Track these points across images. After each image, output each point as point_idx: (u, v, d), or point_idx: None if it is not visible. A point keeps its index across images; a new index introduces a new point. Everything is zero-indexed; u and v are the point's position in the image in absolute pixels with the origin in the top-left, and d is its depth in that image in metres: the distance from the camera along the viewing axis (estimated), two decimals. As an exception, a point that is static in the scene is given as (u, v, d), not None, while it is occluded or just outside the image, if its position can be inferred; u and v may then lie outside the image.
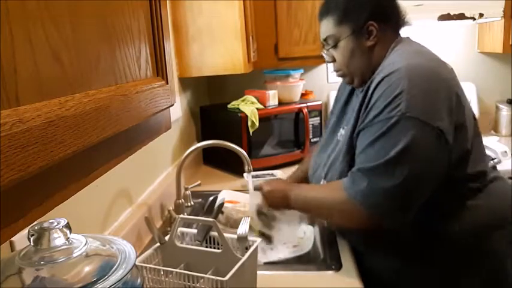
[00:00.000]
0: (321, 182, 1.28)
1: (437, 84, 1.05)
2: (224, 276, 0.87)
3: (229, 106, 2.17)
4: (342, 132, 1.24)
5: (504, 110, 2.54)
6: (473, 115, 1.17)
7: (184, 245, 1.06)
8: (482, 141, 1.20)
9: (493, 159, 2.09)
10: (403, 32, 1.25)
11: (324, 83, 2.69)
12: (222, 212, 1.48)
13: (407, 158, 1.00)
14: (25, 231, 0.56)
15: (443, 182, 1.07)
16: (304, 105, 2.23)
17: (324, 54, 1.28)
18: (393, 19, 1.22)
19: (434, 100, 1.03)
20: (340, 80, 1.34)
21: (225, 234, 1.01)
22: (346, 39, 1.19)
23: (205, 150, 2.20)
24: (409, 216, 1.05)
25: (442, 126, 1.01)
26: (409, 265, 1.18)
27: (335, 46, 1.22)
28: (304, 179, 1.53)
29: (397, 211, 1.04)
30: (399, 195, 1.02)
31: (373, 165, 1.02)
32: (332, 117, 1.40)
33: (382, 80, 1.06)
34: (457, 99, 1.07)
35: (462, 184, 1.13)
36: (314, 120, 2.25)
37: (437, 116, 1.01)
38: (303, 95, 2.43)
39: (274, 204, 1.31)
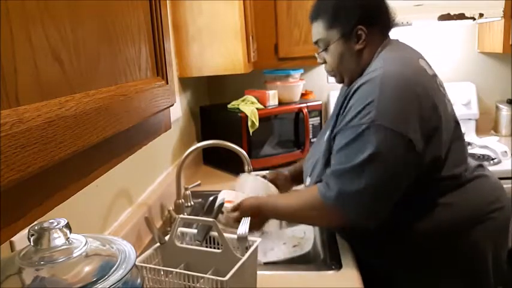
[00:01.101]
0: (307, 179, 1.31)
1: (409, 92, 1.07)
2: (224, 276, 0.87)
3: (229, 106, 2.17)
4: (328, 133, 1.26)
5: (504, 110, 2.54)
6: (455, 119, 1.22)
7: (184, 245, 1.06)
8: (464, 144, 1.24)
9: (493, 159, 2.09)
10: (393, 33, 1.27)
11: (324, 83, 2.69)
12: (222, 212, 1.47)
13: (374, 163, 1.04)
14: (25, 231, 0.56)
15: (415, 184, 1.11)
16: (304, 105, 2.23)
17: (316, 56, 1.32)
18: (381, 22, 1.24)
19: (404, 109, 1.06)
20: None
21: (225, 234, 1.01)
22: (336, 43, 1.22)
23: (205, 150, 2.20)
24: (381, 217, 1.09)
25: (410, 134, 1.04)
26: (396, 266, 1.22)
27: (325, 49, 1.25)
28: (291, 178, 1.57)
29: (368, 212, 1.09)
30: (367, 198, 1.07)
31: (343, 168, 1.08)
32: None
33: (359, 87, 1.10)
34: (433, 107, 1.09)
35: (435, 185, 1.16)
36: (314, 120, 2.25)
37: (407, 125, 1.04)
38: (303, 95, 2.43)
39: (257, 219, 1.27)
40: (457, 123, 1.22)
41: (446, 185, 1.16)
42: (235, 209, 1.27)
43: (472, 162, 1.26)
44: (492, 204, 1.19)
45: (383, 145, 1.03)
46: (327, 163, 1.18)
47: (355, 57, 1.22)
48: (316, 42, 1.28)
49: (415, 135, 1.05)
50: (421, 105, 1.07)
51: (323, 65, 1.32)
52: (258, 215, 1.24)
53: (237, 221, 1.25)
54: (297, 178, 1.52)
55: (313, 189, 1.16)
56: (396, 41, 1.26)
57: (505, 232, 1.24)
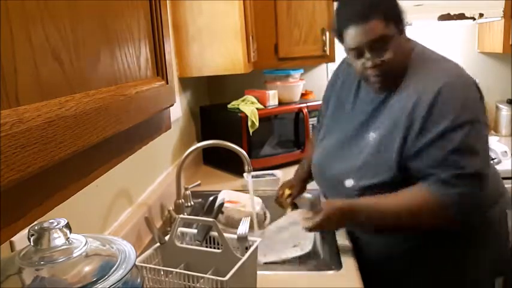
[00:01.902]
0: (347, 181, 1.24)
1: (477, 90, 1.19)
2: (224, 276, 0.87)
3: (229, 106, 2.17)
4: (374, 136, 1.22)
5: (504, 110, 2.54)
6: None
7: (184, 245, 1.06)
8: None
9: (493, 159, 2.09)
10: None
11: (324, 83, 2.66)
12: (222, 212, 1.48)
13: (486, 162, 1.14)
14: (25, 231, 0.56)
15: None
16: (304, 105, 2.23)
17: (366, 60, 1.18)
18: (403, 20, 1.22)
19: (482, 104, 1.19)
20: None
21: (225, 234, 1.01)
22: (396, 38, 1.17)
23: (205, 150, 2.20)
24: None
25: (488, 122, 1.18)
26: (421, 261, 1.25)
27: (386, 47, 1.16)
28: (306, 179, 1.55)
29: (478, 209, 1.16)
30: (479, 197, 1.13)
31: (465, 173, 1.10)
32: (330, 104, 1.45)
33: (440, 91, 1.12)
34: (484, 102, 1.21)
35: None
36: (314, 120, 2.25)
37: (485, 116, 1.17)
38: (303, 95, 2.43)
39: (336, 223, 1.25)
40: None
41: None
42: (315, 213, 1.22)
43: None
44: (501, 188, 1.34)
45: (485, 140, 1.15)
46: (392, 172, 1.17)
47: (406, 49, 1.22)
48: (371, 43, 1.16)
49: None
50: (483, 101, 1.20)
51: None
52: (346, 217, 1.20)
53: (318, 228, 1.22)
54: (307, 179, 1.55)
55: (421, 190, 1.13)
56: (417, 42, 1.28)
57: (505, 218, 1.34)
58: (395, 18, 1.17)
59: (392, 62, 1.17)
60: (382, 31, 1.15)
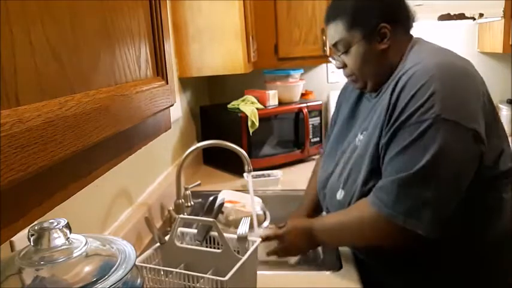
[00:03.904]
0: (338, 192, 1.18)
1: (467, 82, 1.01)
2: (224, 276, 0.87)
3: (229, 106, 2.17)
4: (361, 138, 1.16)
5: (504, 110, 2.54)
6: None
7: (184, 245, 1.06)
8: (508, 139, 1.14)
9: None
10: (414, 31, 1.20)
11: (324, 83, 2.69)
12: (222, 212, 1.48)
13: (442, 164, 0.95)
14: (25, 231, 0.56)
15: (479, 182, 1.02)
16: (304, 105, 2.23)
17: (333, 60, 1.22)
18: (403, 19, 1.16)
19: (467, 100, 0.99)
20: (339, 81, 1.30)
21: (225, 234, 1.01)
22: (358, 43, 1.12)
23: (205, 150, 2.20)
24: (445, 222, 0.98)
25: (477, 127, 0.97)
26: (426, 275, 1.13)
27: (346, 51, 1.15)
28: (312, 212, 1.39)
29: (437, 222, 0.97)
30: (436, 206, 0.96)
31: (406, 176, 0.96)
32: (337, 124, 1.34)
33: (408, 80, 1.00)
34: (488, 97, 1.05)
35: (499, 182, 1.08)
36: (314, 120, 2.25)
37: (472, 117, 0.97)
38: (303, 95, 2.43)
39: (296, 248, 1.22)
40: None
41: (504, 184, 1.08)
42: (276, 236, 1.19)
43: None
44: None
45: (450, 141, 0.94)
46: (373, 170, 1.07)
47: (380, 58, 1.12)
48: (334, 45, 1.17)
49: (481, 128, 0.98)
50: (480, 96, 1.01)
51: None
52: (307, 238, 1.16)
53: (278, 253, 1.21)
54: (315, 212, 1.38)
55: (363, 203, 1.05)
56: (422, 39, 1.18)
57: None
58: (366, 26, 1.11)
59: (358, 67, 1.14)
60: (340, 36, 1.14)
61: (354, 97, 1.30)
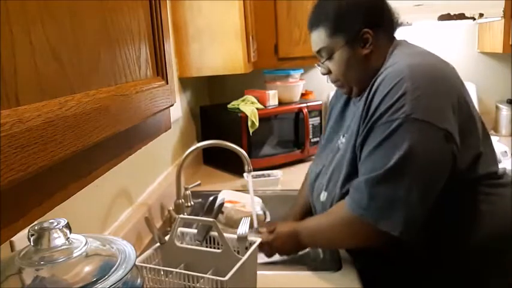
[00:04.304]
0: (321, 194, 1.21)
1: (440, 83, 1.02)
2: (224, 276, 0.87)
3: (229, 106, 2.17)
4: (343, 140, 1.18)
5: (504, 110, 2.54)
6: (479, 116, 1.13)
7: (184, 245, 1.06)
8: (491, 143, 1.15)
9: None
10: (398, 34, 1.21)
11: (324, 83, 2.65)
12: (222, 212, 1.48)
13: (412, 163, 0.95)
14: (25, 231, 0.56)
15: (456, 185, 1.02)
16: (304, 105, 2.23)
17: (318, 67, 1.23)
18: (386, 23, 1.17)
19: (438, 100, 0.99)
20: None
21: (225, 234, 1.01)
22: (341, 50, 1.14)
23: (205, 150, 2.20)
24: (419, 225, 0.98)
25: (448, 127, 0.97)
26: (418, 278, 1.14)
27: (330, 57, 1.17)
28: (303, 214, 1.40)
29: (411, 224, 0.96)
30: (408, 206, 0.96)
31: (375, 175, 0.97)
32: (328, 126, 1.36)
33: (382, 82, 1.02)
34: (464, 99, 1.05)
35: (475, 186, 1.08)
36: (314, 120, 2.25)
37: (443, 117, 0.98)
38: (303, 95, 2.43)
39: (284, 252, 1.24)
40: (481, 120, 1.13)
41: (483, 190, 1.08)
42: (264, 243, 1.18)
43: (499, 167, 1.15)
44: None
45: (420, 141, 0.95)
46: (352, 172, 1.08)
47: (363, 63, 1.14)
48: (318, 52, 1.19)
49: (453, 128, 0.98)
50: (451, 96, 1.01)
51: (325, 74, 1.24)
52: (294, 243, 1.18)
53: (272, 254, 1.22)
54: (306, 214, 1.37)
55: (341, 205, 1.06)
56: (405, 41, 1.19)
57: None
58: (348, 31, 1.12)
59: (342, 72, 1.16)
60: (324, 43, 1.16)
61: (343, 101, 1.32)
